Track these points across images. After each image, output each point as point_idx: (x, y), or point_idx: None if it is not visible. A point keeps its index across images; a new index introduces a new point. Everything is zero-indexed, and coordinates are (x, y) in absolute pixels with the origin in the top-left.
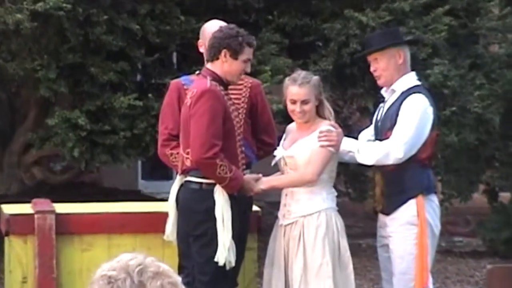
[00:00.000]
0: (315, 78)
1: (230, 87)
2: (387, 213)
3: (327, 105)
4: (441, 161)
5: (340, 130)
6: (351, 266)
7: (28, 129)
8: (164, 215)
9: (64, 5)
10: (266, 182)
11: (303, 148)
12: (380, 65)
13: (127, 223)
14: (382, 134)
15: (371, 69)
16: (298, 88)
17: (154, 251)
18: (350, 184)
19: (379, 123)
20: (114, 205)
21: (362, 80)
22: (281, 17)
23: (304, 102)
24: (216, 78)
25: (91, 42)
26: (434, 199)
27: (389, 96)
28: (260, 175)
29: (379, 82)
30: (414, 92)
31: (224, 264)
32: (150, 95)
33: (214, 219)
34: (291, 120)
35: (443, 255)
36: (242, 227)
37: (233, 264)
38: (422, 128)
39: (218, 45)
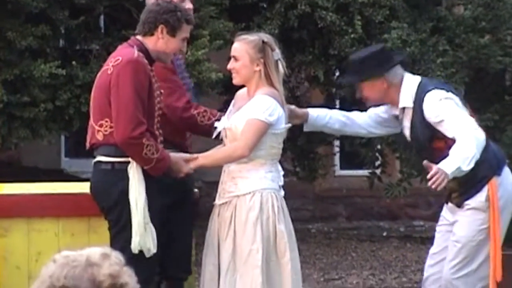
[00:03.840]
0: (258, 37)
1: None
2: (461, 205)
3: (275, 72)
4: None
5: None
6: (288, 254)
7: None
8: (90, 197)
9: None
10: (194, 160)
11: (241, 118)
12: (364, 92)
13: (49, 206)
14: (424, 144)
15: (357, 94)
16: (234, 43)
17: (79, 237)
18: (298, 162)
19: (412, 139)
20: (34, 185)
21: (311, 46)
22: None
23: (235, 58)
24: (143, 50)
25: (8, 4)
26: (507, 172)
27: (402, 116)
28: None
29: (367, 105)
30: (427, 91)
31: (140, 252)
32: (74, 62)
33: (128, 203)
34: (233, 91)
35: (401, 241)
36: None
37: (153, 250)
38: (462, 113)
39: (155, 20)
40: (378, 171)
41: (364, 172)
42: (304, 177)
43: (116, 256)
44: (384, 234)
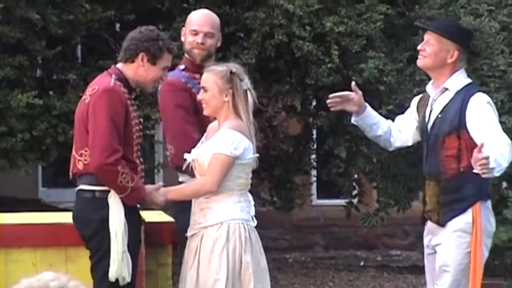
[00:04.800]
0: (226, 68)
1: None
2: (443, 224)
3: (244, 102)
4: (377, 166)
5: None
6: (252, 286)
7: None
8: (68, 227)
9: None
10: (164, 194)
11: (206, 151)
12: (428, 50)
13: (26, 236)
14: (438, 136)
15: (419, 46)
16: (204, 74)
17: (56, 267)
18: (275, 191)
19: (432, 124)
20: (11, 215)
21: (288, 76)
22: (198, 5)
23: (204, 89)
24: (122, 78)
25: None
26: (489, 206)
27: (439, 95)
28: (161, 183)
29: (418, 62)
30: (478, 91)
31: (117, 280)
32: (51, 92)
33: (109, 231)
34: None
35: (378, 271)
36: (137, 239)
37: (127, 279)
38: (498, 124)
39: (136, 47)
40: (355, 201)
41: (341, 201)
42: (281, 207)
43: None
44: (361, 263)
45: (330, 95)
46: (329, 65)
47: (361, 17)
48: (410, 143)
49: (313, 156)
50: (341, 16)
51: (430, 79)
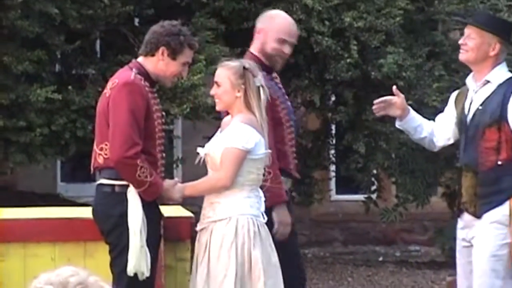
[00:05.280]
0: (239, 64)
1: None
2: (479, 215)
3: (256, 98)
4: (395, 162)
5: None
6: (263, 281)
7: None
8: (86, 222)
9: None
10: (181, 190)
11: (217, 144)
12: (470, 44)
13: (45, 231)
14: (478, 128)
15: (460, 40)
16: (217, 69)
17: (75, 261)
18: (294, 187)
19: (472, 116)
20: (30, 210)
21: (307, 71)
22: (217, 0)
23: (217, 84)
24: (143, 72)
25: (4, 28)
26: None
27: (480, 87)
28: (177, 179)
29: (460, 56)
30: None
31: (136, 275)
32: (70, 87)
33: (127, 226)
34: None
35: (397, 266)
36: (157, 234)
37: (146, 274)
38: None
39: (157, 41)
40: (374, 196)
41: (360, 197)
42: (300, 202)
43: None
44: (380, 259)
45: (375, 101)
46: (348, 60)
47: (380, 12)
48: (451, 141)
49: (332, 151)
50: (360, 11)
51: (448, 74)
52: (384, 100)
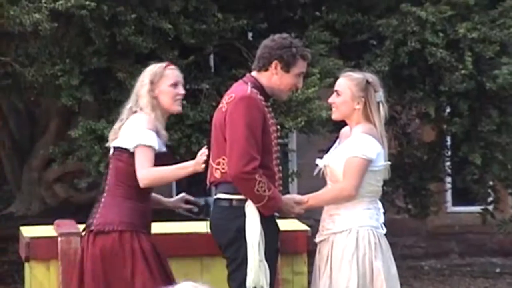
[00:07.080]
0: (362, 76)
1: None
2: None
3: (376, 112)
4: None
5: None
6: None
7: (49, 142)
8: (203, 236)
9: (88, 3)
10: (302, 201)
11: (338, 155)
12: None
13: (160, 246)
14: None
15: None
16: (339, 79)
17: (192, 276)
18: (410, 199)
19: None
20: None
21: (422, 83)
22: (330, 13)
23: (337, 93)
24: (257, 86)
25: (118, 44)
26: None
27: None
28: (296, 195)
29: None
30: None
31: None
32: (184, 102)
33: (245, 240)
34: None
35: None
36: (274, 248)
37: None
38: None
39: (269, 55)
40: (490, 207)
41: (477, 208)
42: (416, 214)
43: None
44: (497, 270)
45: None
46: (462, 71)
47: (494, 23)
48: None
49: (448, 163)
50: (474, 22)
51: None
52: None
